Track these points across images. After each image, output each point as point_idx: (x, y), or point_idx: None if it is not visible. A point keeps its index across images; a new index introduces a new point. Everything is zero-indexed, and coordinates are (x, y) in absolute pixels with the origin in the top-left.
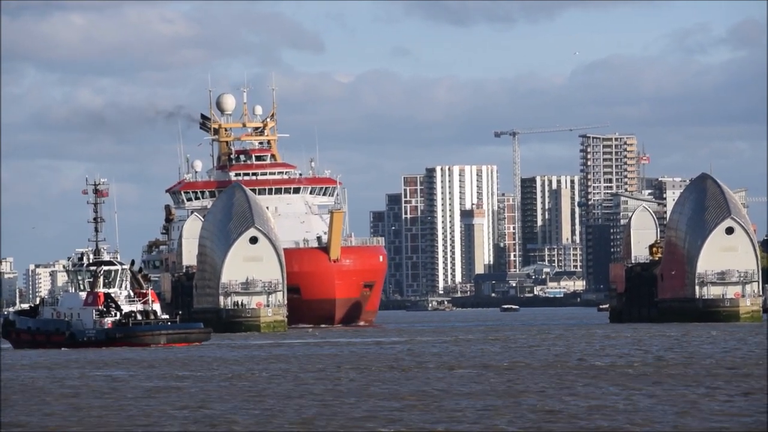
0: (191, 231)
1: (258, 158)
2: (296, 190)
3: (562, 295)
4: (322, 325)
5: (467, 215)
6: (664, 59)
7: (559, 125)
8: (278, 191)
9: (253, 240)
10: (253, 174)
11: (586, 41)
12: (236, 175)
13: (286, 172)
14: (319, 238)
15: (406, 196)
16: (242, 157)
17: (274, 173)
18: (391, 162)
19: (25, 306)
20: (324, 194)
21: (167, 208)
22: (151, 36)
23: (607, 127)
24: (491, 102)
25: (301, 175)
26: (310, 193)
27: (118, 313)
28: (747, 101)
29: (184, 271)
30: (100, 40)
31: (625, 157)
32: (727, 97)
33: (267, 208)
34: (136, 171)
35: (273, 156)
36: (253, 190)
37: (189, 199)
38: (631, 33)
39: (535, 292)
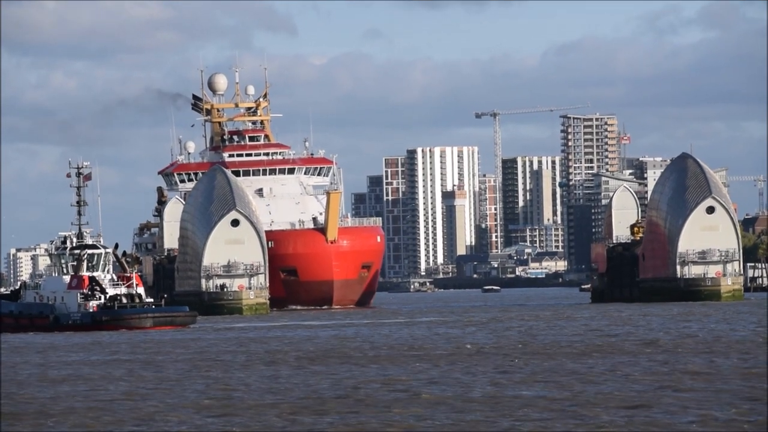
0: (172, 214)
1: (251, 139)
2: (291, 171)
3: (544, 276)
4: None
5: (449, 196)
6: (637, 40)
7: (539, 106)
8: (272, 172)
9: (235, 223)
10: (247, 155)
11: (557, 23)
12: (230, 156)
13: (280, 153)
14: (314, 219)
15: (387, 178)
16: (235, 137)
17: (268, 154)
18: (369, 144)
19: (2, 290)
20: (319, 174)
21: (159, 190)
22: (124, 19)
23: (588, 107)
24: (467, 83)
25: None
26: (305, 173)
27: (103, 297)
28: (721, 82)
29: (165, 254)
30: (73, 24)
31: (606, 137)
32: (700, 78)
33: (261, 189)
34: (114, 154)
35: (267, 136)
36: (247, 171)
37: (182, 181)
38: (602, 14)
39: (517, 273)
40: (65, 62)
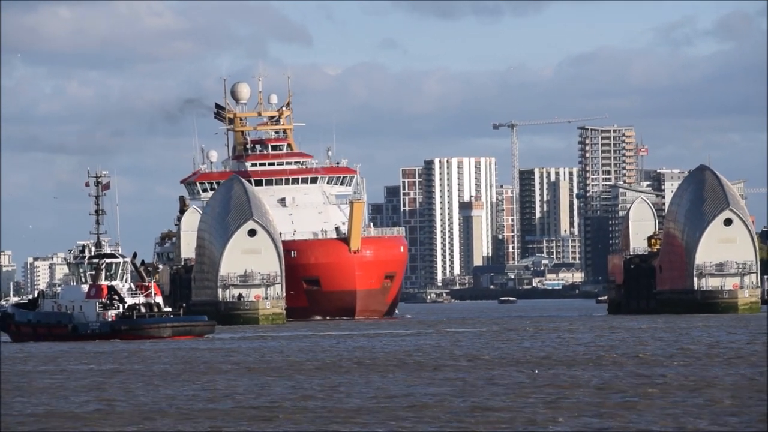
0: (190, 223)
1: (274, 148)
2: (314, 180)
3: (560, 287)
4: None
5: (466, 207)
6: (652, 51)
7: (557, 117)
8: (295, 181)
9: (252, 232)
10: (270, 164)
11: (572, 34)
12: (253, 165)
13: (302, 162)
14: (337, 229)
15: (404, 189)
16: (258, 146)
17: (290, 163)
18: (384, 154)
19: (16, 299)
20: (341, 184)
21: (181, 199)
22: (139, 29)
23: (606, 119)
24: (483, 94)
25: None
26: (328, 182)
27: (122, 306)
28: (737, 93)
29: (182, 263)
30: (87, 34)
31: (624, 149)
32: (716, 89)
33: (284, 198)
34: (130, 163)
35: (289, 145)
36: (270, 181)
37: (204, 190)
38: (617, 26)
39: (534, 284)
40: (81, 72)
